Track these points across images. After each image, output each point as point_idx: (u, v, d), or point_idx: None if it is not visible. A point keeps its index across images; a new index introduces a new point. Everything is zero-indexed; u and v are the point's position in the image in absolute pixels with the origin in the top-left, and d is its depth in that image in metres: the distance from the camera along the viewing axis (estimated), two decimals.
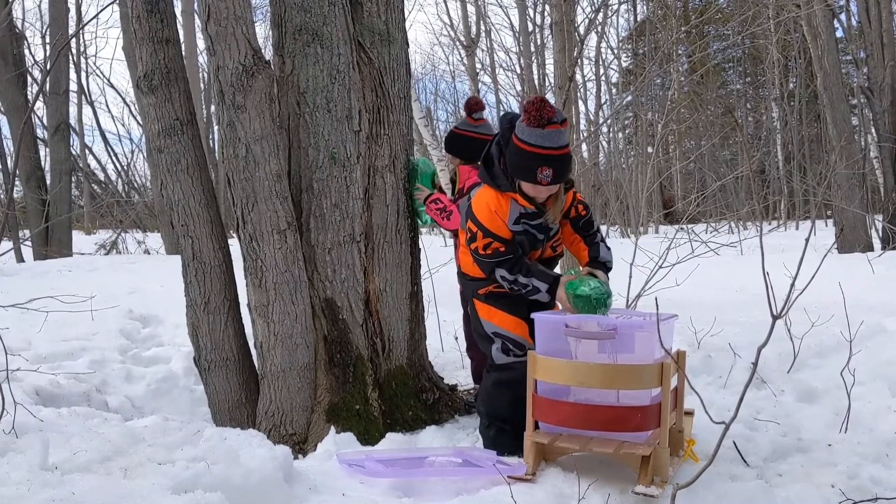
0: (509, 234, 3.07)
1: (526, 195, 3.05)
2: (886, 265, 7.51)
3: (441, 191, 3.96)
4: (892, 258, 8.43)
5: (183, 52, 3.71)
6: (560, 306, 3.13)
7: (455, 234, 3.87)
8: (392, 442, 3.26)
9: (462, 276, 3.39)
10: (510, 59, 25.67)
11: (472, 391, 4.06)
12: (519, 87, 24.79)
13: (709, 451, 2.50)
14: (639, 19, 27.98)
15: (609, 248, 3.30)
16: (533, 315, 2.92)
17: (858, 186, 11.13)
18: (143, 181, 24.93)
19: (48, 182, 12.69)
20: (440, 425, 3.57)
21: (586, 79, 24.99)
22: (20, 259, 11.66)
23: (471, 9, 22.14)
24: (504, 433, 3.15)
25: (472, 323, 3.39)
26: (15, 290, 6.57)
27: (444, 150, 3.77)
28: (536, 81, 21.00)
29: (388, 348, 3.62)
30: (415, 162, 3.81)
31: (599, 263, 3.24)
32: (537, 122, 2.89)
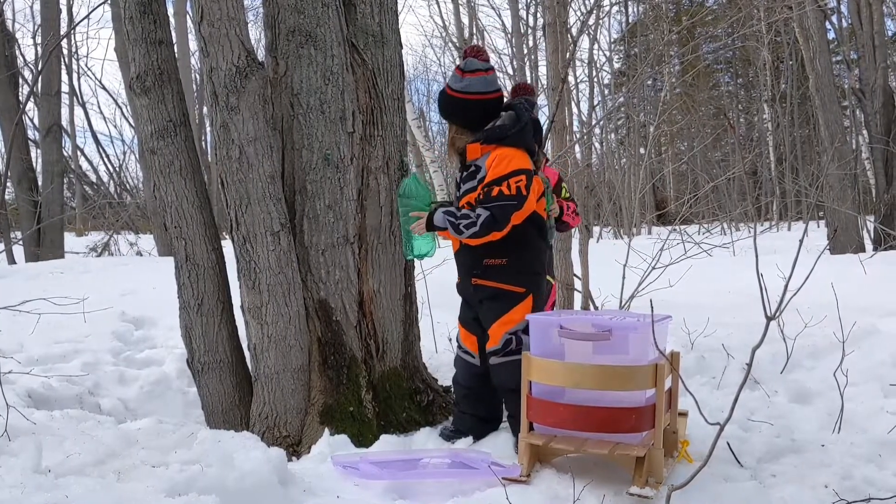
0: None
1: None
2: (878, 266, 7.55)
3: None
4: (884, 259, 8.47)
5: (175, 54, 3.70)
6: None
7: None
8: (386, 444, 3.26)
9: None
10: (502, 60, 25.63)
11: None
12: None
13: (703, 452, 2.50)
14: (630, 21, 28.06)
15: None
16: (528, 316, 2.93)
17: (850, 187, 11.18)
18: (135, 183, 24.87)
19: (40, 184, 12.62)
20: (434, 427, 3.57)
21: (579, 80, 25.02)
22: (12, 261, 11.59)
23: (463, 10, 22.17)
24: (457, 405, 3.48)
25: None
26: (7, 292, 6.53)
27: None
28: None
29: (382, 350, 3.62)
30: (405, 183, 3.55)
31: None
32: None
